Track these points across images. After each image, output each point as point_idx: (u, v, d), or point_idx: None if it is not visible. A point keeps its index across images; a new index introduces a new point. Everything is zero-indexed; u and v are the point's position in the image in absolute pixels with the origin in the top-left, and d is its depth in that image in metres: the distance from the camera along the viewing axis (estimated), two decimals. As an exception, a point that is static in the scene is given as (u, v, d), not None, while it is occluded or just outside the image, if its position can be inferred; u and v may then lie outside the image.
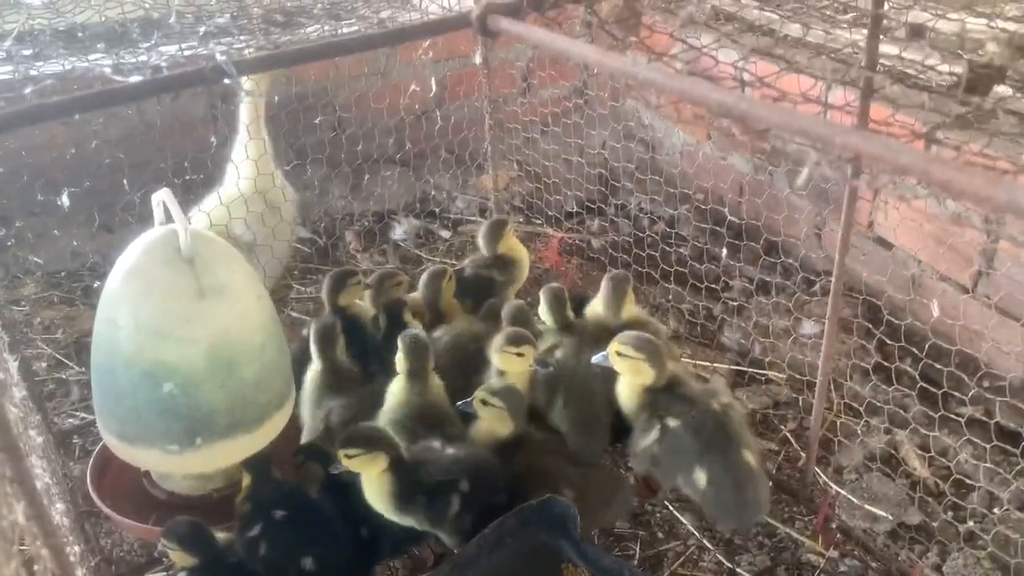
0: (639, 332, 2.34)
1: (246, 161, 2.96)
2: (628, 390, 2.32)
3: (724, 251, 3.75)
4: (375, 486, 2.05)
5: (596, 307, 2.67)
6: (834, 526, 2.51)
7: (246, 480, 2.13)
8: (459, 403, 2.30)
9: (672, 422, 2.22)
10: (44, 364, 3.23)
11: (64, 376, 3.17)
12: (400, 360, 2.31)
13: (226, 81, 1.65)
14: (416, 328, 2.54)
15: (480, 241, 3.03)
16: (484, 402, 2.25)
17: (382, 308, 2.74)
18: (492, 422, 2.27)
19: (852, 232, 1.96)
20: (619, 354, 2.27)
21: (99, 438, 2.25)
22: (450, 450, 2.14)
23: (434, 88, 3.60)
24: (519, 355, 2.33)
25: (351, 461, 2.02)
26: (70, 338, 3.36)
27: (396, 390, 2.31)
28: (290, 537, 2.03)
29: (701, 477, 2.19)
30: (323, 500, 2.15)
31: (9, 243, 3.17)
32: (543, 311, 2.64)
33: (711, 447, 2.19)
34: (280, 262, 3.20)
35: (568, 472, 2.24)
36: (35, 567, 1.09)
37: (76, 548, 1.71)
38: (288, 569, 2.01)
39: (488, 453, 2.20)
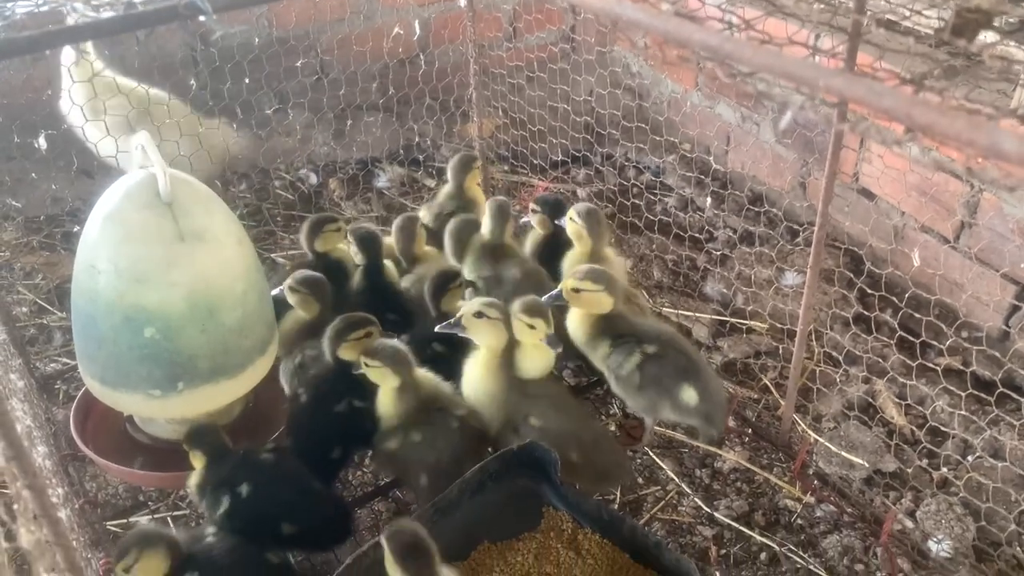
0: (590, 266, 2.37)
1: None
2: (583, 322, 2.36)
3: (708, 200, 3.75)
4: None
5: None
6: (811, 472, 2.56)
7: (199, 461, 2.07)
8: (438, 327, 2.26)
9: (649, 348, 2.28)
10: (25, 310, 3.21)
11: (46, 322, 3.15)
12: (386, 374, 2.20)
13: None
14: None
15: (449, 173, 3.10)
16: (479, 315, 2.20)
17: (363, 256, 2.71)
18: (487, 336, 2.22)
19: (836, 183, 1.96)
20: (577, 290, 2.29)
21: (82, 383, 2.25)
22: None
23: (418, 31, 3.53)
24: (530, 327, 2.24)
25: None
26: (51, 284, 3.33)
27: (386, 402, 2.22)
28: (263, 508, 2.02)
29: (691, 394, 2.26)
30: (282, 460, 2.14)
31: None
32: (485, 223, 2.75)
33: (689, 365, 2.28)
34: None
35: (585, 436, 2.22)
36: (15, 506, 1.09)
37: (59, 490, 1.71)
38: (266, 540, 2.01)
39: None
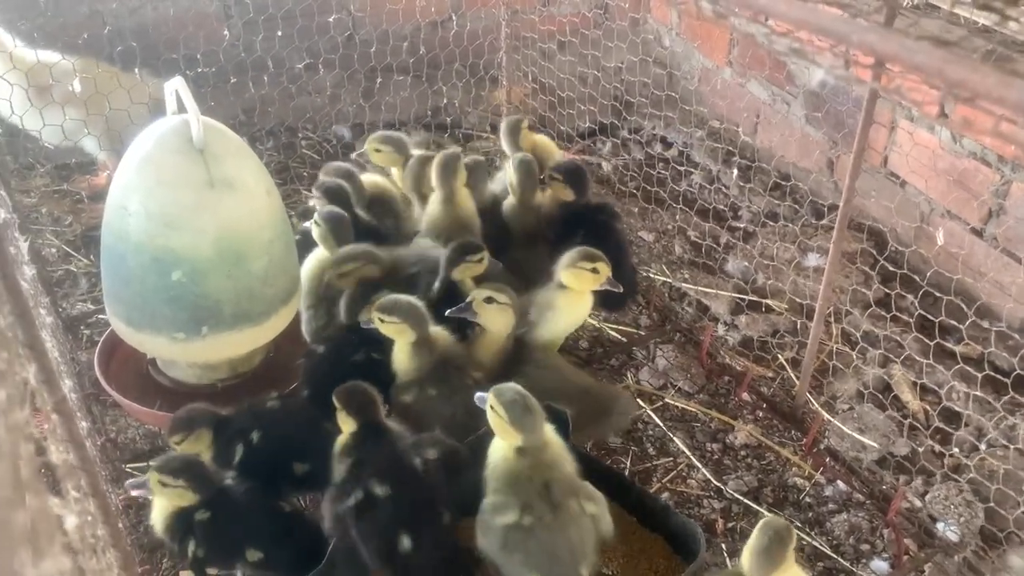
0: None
1: None
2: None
3: (735, 175, 3.74)
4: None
5: None
6: (822, 447, 2.56)
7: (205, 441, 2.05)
8: (449, 311, 2.27)
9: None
10: (54, 251, 3.25)
11: (72, 267, 3.20)
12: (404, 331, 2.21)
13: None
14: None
15: (503, 142, 3.14)
16: (489, 300, 2.23)
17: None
18: (496, 321, 2.26)
19: (865, 166, 1.95)
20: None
21: (105, 328, 2.29)
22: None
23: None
24: (594, 271, 2.34)
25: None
26: (77, 230, 3.37)
27: (402, 357, 2.23)
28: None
29: None
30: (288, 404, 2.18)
31: (21, 128, 3.14)
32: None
33: None
34: None
35: (567, 389, 2.26)
36: (45, 426, 1.12)
37: (83, 424, 1.76)
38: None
39: None
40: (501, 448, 1.90)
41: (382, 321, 2.15)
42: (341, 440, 1.93)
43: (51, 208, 3.48)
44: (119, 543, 1.37)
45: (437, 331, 2.24)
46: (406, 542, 1.82)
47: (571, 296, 2.44)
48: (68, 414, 1.18)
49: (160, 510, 1.90)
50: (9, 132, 3.35)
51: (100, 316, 2.83)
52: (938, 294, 2.56)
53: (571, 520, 1.86)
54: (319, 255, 2.49)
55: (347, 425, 1.94)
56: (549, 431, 1.91)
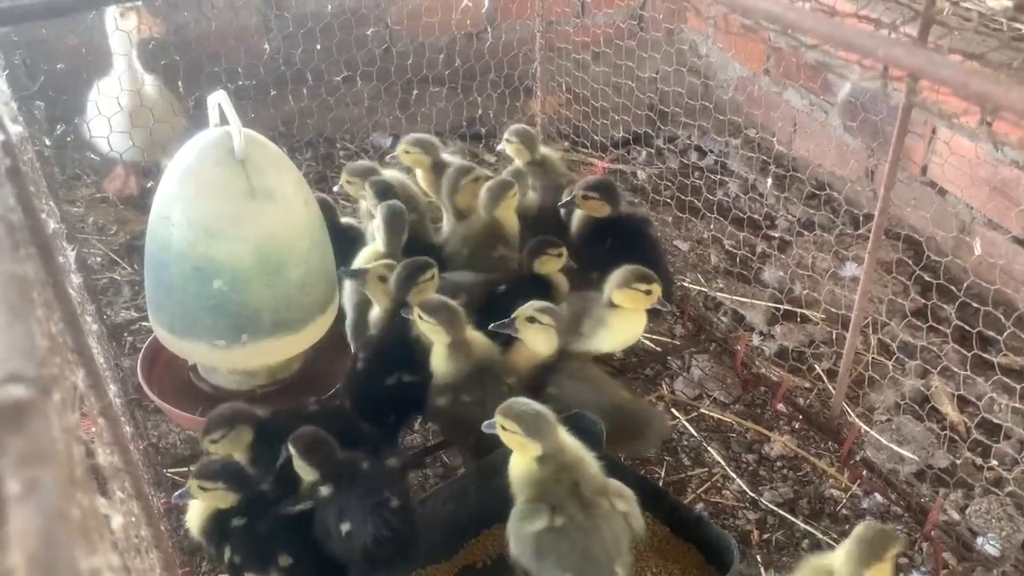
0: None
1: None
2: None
3: (770, 183, 3.72)
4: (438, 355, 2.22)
5: None
6: (858, 458, 2.54)
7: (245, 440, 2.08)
8: (492, 325, 2.29)
9: None
10: (98, 260, 3.33)
11: (116, 276, 3.27)
12: (439, 332, 2.21)
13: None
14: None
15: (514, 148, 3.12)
16: (531, 320, 2.23)
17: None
18: (538, 341, 2.26)
19: (904, 175, 1.94)
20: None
21: (147, 335, 2.34)
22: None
23: (486, 4, 3.56)
24: (647, 293, 2.34)
25: (421, 321, 2.16)
26: (122, 239, 3.45)
27: (438, 358, 2.24)
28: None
29: None
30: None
31: (68, 138, 3.23)
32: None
33: None
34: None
35: (601, 403, 2.24)
36: (92, 429, 1.16)
37: (127, 429, 1.80)
38: None
39: None
40: (521, 463, 1.89)
41: (420, 318, 2.17)
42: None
43: (97, 217, 3.57)
44: (162, 544, 1.41)
45: (475, 336, 2.24)
46: None
47: (624, 315, 2.42)
48: (114, 418, 1.22)
49: (197, 513, 1.93)
50: (57, 144, 3.45)
51: (143, 323, 2.89)
52: (977, 305, 2.53)
53: (603, 518, 1.85)
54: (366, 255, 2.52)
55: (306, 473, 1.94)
56: (563, 434, 1.91)
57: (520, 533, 1.85)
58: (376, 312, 2.37)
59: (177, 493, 1.93)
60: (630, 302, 2.38)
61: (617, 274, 2.40)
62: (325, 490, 1.88)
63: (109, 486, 1.14)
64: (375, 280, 2.33)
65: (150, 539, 1.35)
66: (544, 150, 3.16)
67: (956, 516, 2.41)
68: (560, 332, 2.25)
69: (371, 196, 2.65)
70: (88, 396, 1.15)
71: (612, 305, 2.43)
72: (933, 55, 0.64)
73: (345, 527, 1.81)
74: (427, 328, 2.18)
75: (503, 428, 1.86)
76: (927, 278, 2.82)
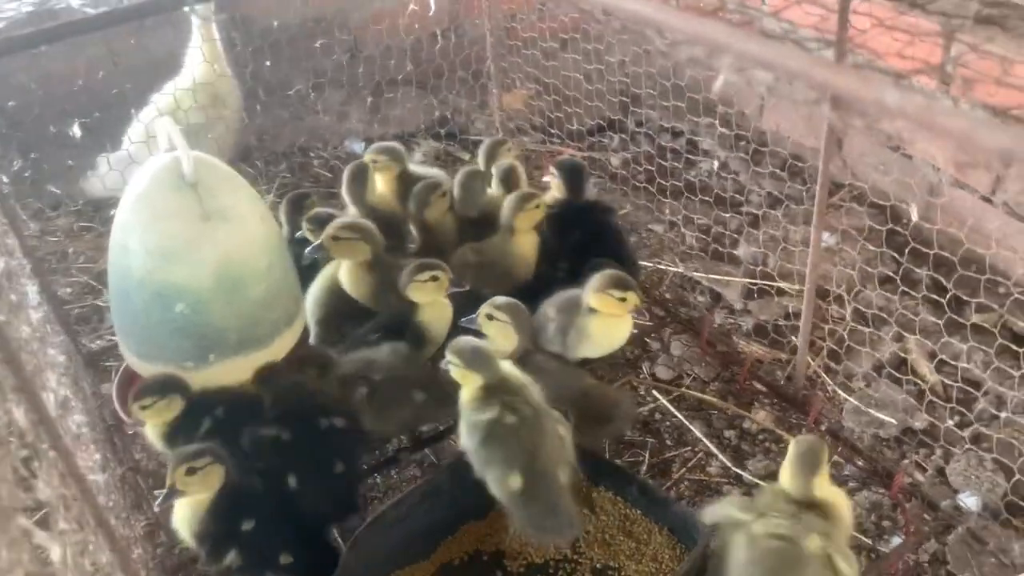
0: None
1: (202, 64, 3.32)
2: None
3: (742, 157, 3.72)
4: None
5: None
6: (823, 428, 2.55)
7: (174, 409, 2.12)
8: (462, 320, 2.30)
9: None
10: (80, 291, 3.36)
11: (98, 303, 3.30)
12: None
13: (185, 9, 1.68)
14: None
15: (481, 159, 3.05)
16: (489, 316, 2.23)
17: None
18: (497, 338, 2.25)
19: (869, 142, 1.92)
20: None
21: (126, 361, 2.36)
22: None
23: (432, 7, 3.56)
24: (621, 300, 2.30)
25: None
26: (102, 267, 3.47)
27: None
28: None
29: None
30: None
31: (26, 174, 3.25)
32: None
33: None
34: (226, 145, 3.58)
35: (564, 393, 2.23)
36: (34, 464, 1.18)
37: (96, 456, 1.83)
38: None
39: None
40: (466, 394, 2.00)
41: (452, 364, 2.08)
42: None
43: (77, 247, 3.60)
44: (128, 568, 1.44)
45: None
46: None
47: (605, 320, 2.36)
48: (65, 451, 1.24)
49: (186, 515, 1.92)
50: (36, 173, 3.47)
51: (123, 349, 2.92)
52: (953, 270, 2.53)
53: (549, 430, 1.96)
54: (327, 273, 2.55)
55: None
56: (506, 366, 2.02)
57: (471, 420, 1.94)
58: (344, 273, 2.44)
59: (158, 501, 1.93)
60: (606, 307, 2.32)
61: (595, 278, 2.34)
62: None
63: (53, 516, 1.17)
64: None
65: (115, 564, 1.38)
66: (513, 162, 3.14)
67: (932, 476, 2.42)
68: (520, 329, 2.25)
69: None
70: (37, 430, 1.17)
71: (591, 311, 2.36)
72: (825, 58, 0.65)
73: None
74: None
75: (450, 364, 1.99)
76: (900, 244, 2.82)
